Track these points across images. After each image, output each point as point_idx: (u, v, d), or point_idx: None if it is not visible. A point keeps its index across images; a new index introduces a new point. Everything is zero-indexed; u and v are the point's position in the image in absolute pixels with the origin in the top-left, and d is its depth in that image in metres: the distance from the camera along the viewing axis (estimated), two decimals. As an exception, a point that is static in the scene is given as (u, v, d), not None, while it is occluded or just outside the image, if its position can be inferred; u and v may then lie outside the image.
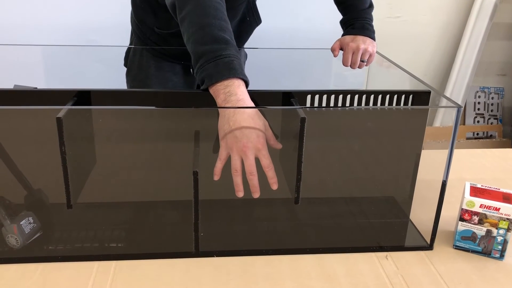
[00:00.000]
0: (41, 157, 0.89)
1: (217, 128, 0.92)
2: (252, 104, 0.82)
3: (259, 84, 1.11)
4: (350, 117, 0.92)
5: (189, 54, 0.86)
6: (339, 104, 0.96)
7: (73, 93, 0.91)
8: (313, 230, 0.96)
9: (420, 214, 1.00)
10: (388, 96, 0.96)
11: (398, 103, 0.97)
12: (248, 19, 1.26)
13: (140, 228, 0.94)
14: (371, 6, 1.27)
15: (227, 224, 0.96)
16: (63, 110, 0.76)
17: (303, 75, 2.13)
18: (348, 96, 0.96)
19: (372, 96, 0.96)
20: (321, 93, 0.94)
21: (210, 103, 0.97)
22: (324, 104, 0.96)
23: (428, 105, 0.97)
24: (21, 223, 0.85)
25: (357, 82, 2.14)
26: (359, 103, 0.96)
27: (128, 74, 1.33)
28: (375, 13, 1.29)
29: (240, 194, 0.83)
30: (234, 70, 0.82)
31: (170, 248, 0.87)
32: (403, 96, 0.97)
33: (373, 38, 1.23)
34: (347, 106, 0.95)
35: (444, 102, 0.96)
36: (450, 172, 0.85)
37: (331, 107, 0.94)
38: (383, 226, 0.98)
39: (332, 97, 0.95)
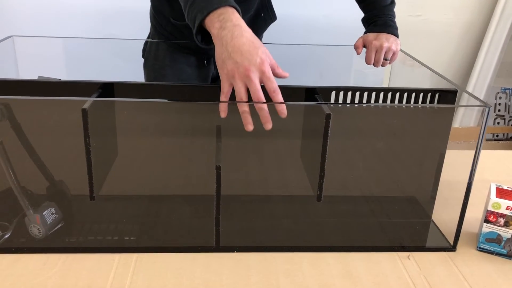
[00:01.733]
0: (63, 148, 0.89)
1: (238, 122, 0.92)
2: (249, 29, 0.78)
3: (277, 79, 1.10)
4: (374, 114, 0.91)
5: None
6: (364, 101, 0.95)
7: (97, 85, 0.91)
8: (334, 228, 0.95)
9: (442, 215, 0.98)
10: (414, 94, 0.95)
11: (423, 101, 0.96)
12: (262, 15, 1.26)
13: (161, 222, 0.94)
14: (392, 2, 1.25)
15: (248, 220, 0.95)
16: (88, 101, 0.77)
17: (322, 72, 2.11)
18: (373, 94, 0.95)
19: (397, 94, 0.94)
20: (345, 89, 0.93)
21: (233, 98, 0.97)
22: (348, 101, 0.95)
23: (454, 104, 0.96)
24: (43, 213, 0.86)
25: (377, 80, 2.12)
26: (384, 101, 0.95)
27: (145, 65, 1.34)
28: (395, 11, 1.27)
29: (250, 127, 0.78)
30: (225, 0, 0.79)
31: (191, 242, 0.87)
32: (429, 95, 0.95)
33: (397, 35, 1.21)
34: (374, 103, 0.94)
35: (464, 101, 0.94)
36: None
37: (357, 104, 0.93)
38: (404, 226, 0.97)
39: (357, 94, 0.93)
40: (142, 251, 0.84)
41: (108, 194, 0.92)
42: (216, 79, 1.37)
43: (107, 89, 0.92)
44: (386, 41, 1.16)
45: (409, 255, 0.87)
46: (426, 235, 0.95)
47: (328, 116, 0.78)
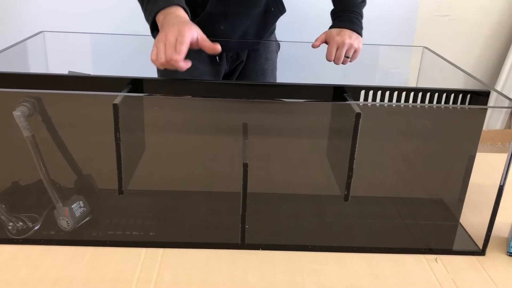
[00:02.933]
0: (91, 143, 0.90)
1: (266, 120, 0.92)
2: (186, 18, 0.92)
3: (301, 78, 1.09)
4: (404, 115, 0.90)
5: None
6: (394, 101, 0.93)
7: (126, 81, 0.92)
8: (360, 229, 0.94)
9: (471, 218, 0.97)
10: (445, 95, 0.93)
11: (454, 102, 0.94)
12: (272, 10, 1.25)
13: (187, 217, 0.95)
14: (363, 1, 1.21)
15: (273, 218, 0.95)
16: (119, 96, 0.77)
17: (345, 71, 2.10)
18: (403, 93, 0.93)
19: (428, 94, 0.93)
20: (375, 89, 0.92)
21: (261, 95, 0.97)
22: (377, 100, 0.94)
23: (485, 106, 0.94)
24: (72, 206, 0.87)
25: (402, 80, 2.09)
26: (414, 101, 0.93)
27: None
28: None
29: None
30: (170, 0, 0.93)
31: (216, 239, 0.87)
32: (460, 95, 0.93)
33: (360, 34, 1.16)
34: (404, 103, 0.93)
35: (491, 103, 0.92)
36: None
37: (387, 103, 0.92)
38: (432, 228, 0.95)
39: (387, 93, 0.92)
40: (168, 246, 0.84)
41: (135, 189, 0.93)
42: (229, 75, 1.36)
43: (136, 85, 0.93)
44: (349, 38, 1.12)
45: (436, 258, 0.85)
46: (454, 238, 0.93)
47: (358, 115, 0.77)
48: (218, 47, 0.89)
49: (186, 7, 0.95)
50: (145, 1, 0.97)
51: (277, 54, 1.44)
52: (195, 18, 1.17)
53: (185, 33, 0.86)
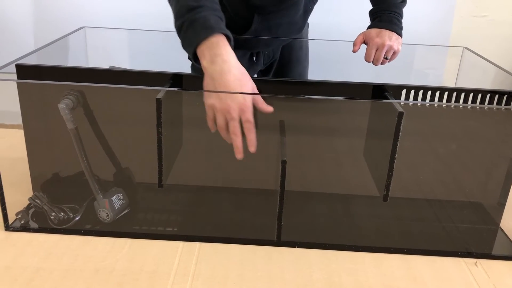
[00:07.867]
0: (130, 137, 0.91)
1: (303, 118, 0.91)
2: (239, 64, 0.81)
3: (333, 76, 1.08)
4: (445, 115, 0.88)
5: (249, 42, 0.81)
6: (435, 100, 0.92)
7: (167, 77, 0.93)
8: (397, 230, 0.93)
9: (511, 223, 0.94)
10: (488, 96, 0.91)
11: (498, 103, 0.92)
12: (310, 7, 1.24)
13: (223, 213, 0.95)
14: (404, 1, 1.18)
15: (309, 216, 0.95)
16: (162, 91, 0.78)
17: (378, 70, 2.08)
18: (446, 93, 0.92)
19: (471, 95, 0.91)
20: (417, 88, 0.90)
21: (299, 93, 0.97)
22: (419, 99, 0.92)
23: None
24: (112, 198, 0.89)
25: (437, 80, 2.06)
26: (456, 101, 0.92)
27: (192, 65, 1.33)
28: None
29: (239, 156, 0.82)
30: (211, 28, 0.79)
31: (252, 235, 0.87)
32: (504, 97, 0.91)
33: (400, 34, 1.14)
34: (446, 103, 0.91)
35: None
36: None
37: (429, 103, 0.90)
38: (470, 232, 0.93)
39: (429, 93, 0.91)
40: (205, 240, 0.85)
41: (172, 184, 0.94)
42: (265, 72, 1.36)
43: (176, 80, 0.94)
44: (389, 39, 1.10)
45: (476, 262, 0.84)
46: (493, 242, 0.91)
47: (400, 114, 0.76)
48: (270, 109, 0.83)
49: (229, 33, 0.82)
50: (182, 29, 0.83)
51: (308, 31, 1.43)
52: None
53: (247, 108, 0.79)
